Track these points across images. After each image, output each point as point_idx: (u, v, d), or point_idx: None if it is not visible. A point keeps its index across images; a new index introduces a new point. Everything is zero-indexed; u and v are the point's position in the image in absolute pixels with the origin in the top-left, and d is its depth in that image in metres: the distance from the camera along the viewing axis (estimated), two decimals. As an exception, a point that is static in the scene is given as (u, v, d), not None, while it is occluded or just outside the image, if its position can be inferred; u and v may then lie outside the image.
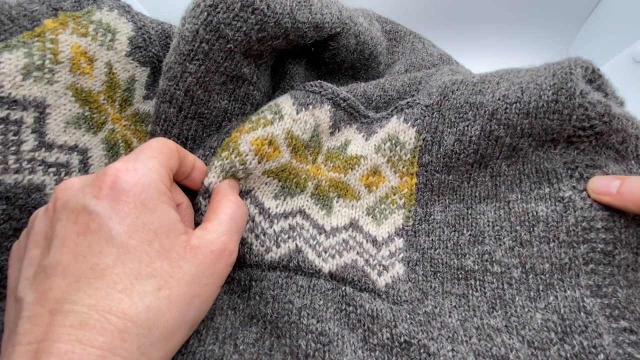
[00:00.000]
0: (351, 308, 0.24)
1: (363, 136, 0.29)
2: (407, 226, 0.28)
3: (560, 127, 0.24)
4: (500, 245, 0.25)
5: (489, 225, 0.26)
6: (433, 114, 0.28)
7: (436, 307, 0.25)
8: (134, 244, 0.18)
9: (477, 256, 0.25)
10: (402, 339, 0.22)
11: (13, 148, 0.26)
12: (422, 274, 0.26)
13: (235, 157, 0.24)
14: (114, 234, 0.18)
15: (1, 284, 0.26)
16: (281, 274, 0.24)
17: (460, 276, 0.25)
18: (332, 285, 0.24)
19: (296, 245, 0.25)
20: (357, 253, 0.26)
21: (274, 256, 0.25)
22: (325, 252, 0.26)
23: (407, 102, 0.29)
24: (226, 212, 0.22)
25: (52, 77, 0.27)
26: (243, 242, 0.25)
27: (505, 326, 0.24)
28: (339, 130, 0.29)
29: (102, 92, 0.30)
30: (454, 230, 0.27)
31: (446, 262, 0.26)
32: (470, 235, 0.26)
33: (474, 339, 0.23)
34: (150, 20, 0.34)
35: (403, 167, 0.28)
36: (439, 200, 0.28)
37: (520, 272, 0.25)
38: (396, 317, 0.23)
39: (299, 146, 0.27)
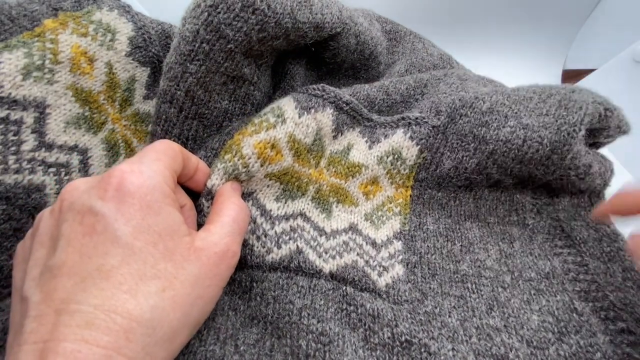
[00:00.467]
0: (352, 308, 0.24)
1: (366, 142, 0.30)
2: (404, 230, 0.28)
3: (543, 175, 0.28)
4: (488, 255, 0.28)
5: (476, 239, 0.28)
6: (438, 135, 0.30)
7: (436, 307, 0.25)
8: (139, 245, 0.18)
9: (470, 262, 0.27)
10: (403, 338, 0.23)
11: (13, 148, 0.26)
12: (421, 276, 0.26)
13: (238, 160, 0.24)
14: (120, 235, 0.18)
15: (1, 284, 0.26)
16: (282, 275, 0.24)
17: (457, 279, 0.26)
18: (333, 285, 0.25)
19: (297, 246, 0.25)
20: (358, 254, 0.26)
21: (275, 257, 0.25)
22: (326, 253, 0.26)
23: (417, 119, 0.30)
24: (229, 214, 0.22)
25: (52, 77, 0.27)
26: (244, 244, 0.25)
27: (504, 326, 0.24)
28: (341, 134, 0.29)
29: (102, 92, 0.30)
30: (447, 240, 0.28)
31: (442, 266, 0.27)
32: (461, 245, 0.28)
33: (474, 339, 0.23)
34: (150, 20, 0.34)
35: (400, 179, 0.30)
36: (430, 213, 0.30)
37: (511, 278, 0.26)
38: (397, 316, 0.24)
39: (301, 150, 0.27)
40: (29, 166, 0.26)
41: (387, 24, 0.45)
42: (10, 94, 0.25)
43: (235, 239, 0.22)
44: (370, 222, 0.29)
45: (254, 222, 0.25)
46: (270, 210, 0.26)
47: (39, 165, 0.27)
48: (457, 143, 0.29)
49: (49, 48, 0.27)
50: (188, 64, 0.25)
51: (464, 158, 0.28)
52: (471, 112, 0.29)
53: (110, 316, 0.17)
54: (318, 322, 0.23)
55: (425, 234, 0.29)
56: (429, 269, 0.27)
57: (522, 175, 0.28)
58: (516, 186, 0.29)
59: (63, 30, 0.28)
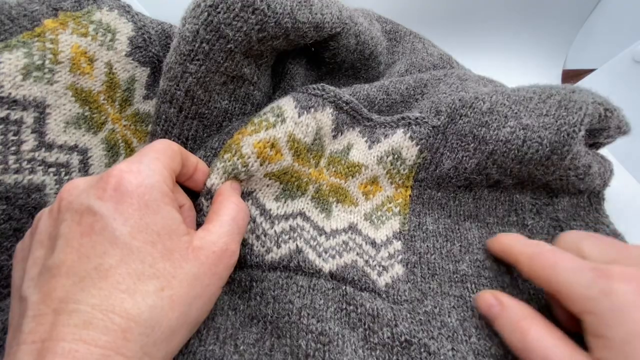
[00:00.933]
0: (352, 307, 0.24)
1: (366, 141, 0.30)
2: (404, 230, 0.29)
3: (543, 176, 0.28)
4: (488, 255, 0.27)
5: (475, 239, 0.28)
6: (437, 135, 0.29)
7: (435, 307, 0.25)
8: (137, 244, 0.18)
9: (469, 262, 0.27)
10: (403, 338, 0.23)
11: (13, 148, 0.26)
12: (421, 276, 0.26)
13: (238, 159, 0.24)
14: (118, 234, 0.18)
15: (1, 284, 0.26)
16: (281, 274, 0.24)
17: (456, 279, 0.26)
18: (333, 285, 0.25)
19: (297, 245, 0.25)
20: (357, 254, 0.26)
21: (274, 256, 0.25)
22: (326, 253, 0.26)
23: (417, 119, 0.30)
24: (228, 213, 0.22)
25: (52, 77, 0.27)
26: (244, 243, 0.25)
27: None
28: (341, 133, 0.29)
29: (102, 92, 0.30)
30: (446, 240, 0.28)
31: (442, 266, 0.27)
32: (460, 245, 0.28)
33: (473, 338, 0.23)
34: (150, 20, 0.34)
35: (400, 179, 0.30)
36: (429, 213, 0.30)
37: (510, 278, 0.26)
38: (397, 316, 0.24)
39: (301, 149, 0.27)
40: (29, 166, 0.26)
41: (387, 24, 0.45)
42: (10, 94, 0.25)
43: (234, 238, 0.22)
44: (370, 222, 0.29)
45: (254, 222, 0.25)
46: (270, 210, 0.26)
47: (39, 165, 0.27)
48: (457, 143, 0.29)
49: (49, 48, 0.27)
50: (188, 64, 0.25)
51: (464, 158, 0.28)
52: (471, 112, 0.29)
53: (108, 316, 0.17)
54: (318, 321, 0.23)
55: (424, 234, 0.29)
56: (428, 268, 0.27)
57: (522, 175, 0.28)
58: (516, 186, 0.30)
59: (63, 30, 0.28)
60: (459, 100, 0.30)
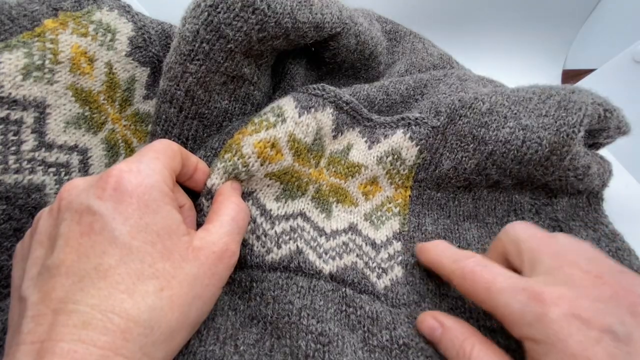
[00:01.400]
0: (351, 309, 0.24)
1: (366, 142, 0.30)
2: (403, 231, 0.29)
3: (542, 176, 0.28)
4: (487, 256, 0.26)
5: (474, 239, 0.29)
6: (437, 135, 0.29)
7: (433, 310, 0.25)
8: (136, 244, 0.18)
9: None
10: (401, 341, 0.23)
11: (13, 148, 0.26)
12: (420, 277, 0.26)
13: (238, 159, 0.24)
14: (117, 234, 0.18)
15: (1, 283, 0.26)
16: (282, 275, 0.24)
17: None
18: (333, 286, 0.25)
19: (297, 246, 0.25)
20: (357, 255, 0.26)
21: (274, 257, 0.25)
22: (326, 254, 0.26)
23: (416, 119, 0.30)
24: (228, 213, 0.22)
25: (52, 77, 0.27)
26: (244, 244, 0.25)
27: (501, 327, 0.24)
28: (341, 133, 0.29)
29: (102, 92, 0.30)
30: (445, 240, 0.28)
31: None
32: (459, 246, 0.28)
33: None
34: (150, 20, 0.34)
35: (399, 180, 0.30)
36: (429, 214, 0.30)
37: None
38: (395, 319, 0.24)
39: (301, 149, 0.27)
40: (29, 166, 0.26)
41: (387, 24, 0.45)
42: (10, 94, 0.25)
43: (234, 239, 0.22)
44: (370, 222, 0.29)
45: (254, 222, 0.25)
46: (270, 210, 0.26)
47: (39, 165, 0.27)
48: (457, 144, 0.29)
49: (49, 48, 0.27)
50: (188, 64, 0.25)
51: (463, 159, 0.29)
52: (471, 113, 0.29)
53: (107, 316, 0.17)
54: (317, 322, 0.23)
55: (423, 235, 0.29)
56: (427, 269, 0.27)
57: (521, 175, 0.28)
58: (515, 187, 0.30)
59: (63, 30, 0.28)
60: (459, 100, 0.30)
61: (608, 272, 0.19)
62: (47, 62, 0.27)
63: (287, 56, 0.34)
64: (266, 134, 0.25)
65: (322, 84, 0.28)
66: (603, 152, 0.31)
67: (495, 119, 0.28)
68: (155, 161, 0.21)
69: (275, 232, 0.25)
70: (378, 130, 0.30)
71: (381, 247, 0.28)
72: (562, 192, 0.29)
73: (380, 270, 0.26)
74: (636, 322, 0.17)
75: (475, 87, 0.36)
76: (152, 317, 0.18)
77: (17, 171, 0.26)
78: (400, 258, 0.27)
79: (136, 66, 0.32)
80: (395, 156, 0.29)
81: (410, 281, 0.26)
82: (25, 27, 0.27)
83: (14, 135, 0.26)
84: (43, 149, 0.27)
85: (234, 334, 0.23)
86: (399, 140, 0.29)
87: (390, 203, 0.30)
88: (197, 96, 0.27)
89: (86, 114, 0.30)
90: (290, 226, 0.26)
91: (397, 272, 0.27)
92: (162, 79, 0.27)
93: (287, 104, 0.27)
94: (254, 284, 0.24)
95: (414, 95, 0.35)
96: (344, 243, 0.27)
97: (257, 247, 0.25)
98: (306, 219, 0.27)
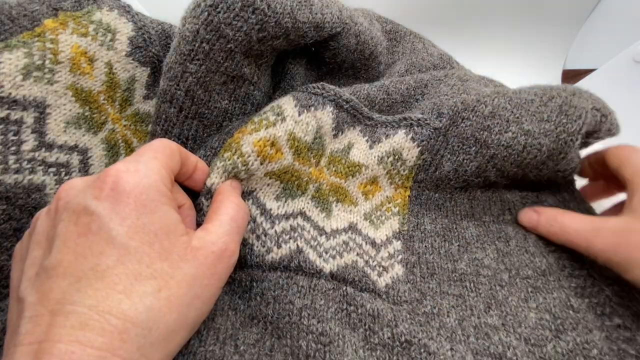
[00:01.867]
0: (352, 308, 0.24)
1: (367, 141, 0.29)
2: (403, 230, 0.29)
3: (534, 177, 0.29)
4: (486, 254, 0.28)
5: (473, 238, 0.29)
6: (439, 137, 0.29)
7: (435, 307, 0.25)
8: (134, 244, 0.18)
9: (468, 261, 0.27)
10: (403, 339, 0.23)
11: (13, 148, 0.26)
12: (420, 275, 0.27)
13: (238, 158, 0.24)
14: (115, 234, 0.18)
15: (1, 283, 0.26)
16: (282, 275, 0.24)
17: (455, 278, 0.27)
18: (333, 285, 0.24)
19: (297, 245, 0.25)
20: (357, 254, 0.26)
21: (274, 257, 0.25)
22: (326, 253, 0.26)
23: (419, 120, 0.30)
24: (227, 212, 0.22)
25: (52, 77, 0.27)
26: (244, 243, 0.25)
27: (502, 324, 0.24)
28: (342, 132, 0.29)
29: (102, 92, 0.30)
30: (444, 240, 0.29)
31: (441, 266, 0.27)
32: (459, 245, 0.28)
33: (472, 338, 0.24)
34: (150, 20, 0.34)
35: (399, 180, 0.30)
36: (427, 214, 0.30)
37: (509, 276, 0.27)
38: (397, 317, 0.24)
39: (301, 148, 0.27)
40: (29, 166, 0.26)
41: (387, 23, 0.45)
42: (10, 94, 0.25)
43: (233, 238, 0.22)
44: (370, 222, 0.29)
45: (254, 222, 0.25)
46: (270, 210, 0.26)
47: (39, 165, 0.27)
48: (459, 146, 0.29)
49: (49, 48, 0.27)
50: (188, 64, 0.25)
51: (465, 161, 0.29)
52: (473, 116, 0.29)
53: (104, 317, 0.17)
54: (318, 322, 0.22)
55: (423, 234, 0.29)
56: (427, 268, 0.27)
57: (516, 176, 0.29)
58: (506, 186, 0.30)
59: (63, 30, 0.28)
60: (461, 103, 0.30)
61: None
62: (47, 62, 0.27)
63: (287, 56, 0.34)
64: (266, 132, 0.25)
65: (322, 83, 0.28)
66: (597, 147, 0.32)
67: (497, 123, 0.28)
68: (153, 161, 0.21)
69: (275, 231, 0.25)
70: (379, 129, 0.30)
71: (381, 246, 0.28)
72: (547, 188, 0.30)
73: (381, 268, 0.26)
74: None
75: (477, 87, 0.36)
76: (150, 318, 0.18)
77: (17, 171, 0.26)
78: (400, 257, 0.27)
79: (136, 66, 0.32)
80: (396, 156, 0.29)
81: (411, 279, 0.26)
82: (25, 27, 0.27)
83: (14, 135, 0.26)
84: (43, 149, 0.27)
85: (234, 334, 0.23)
86: (401, 140, 0.29)
87: (389, 203, 0.30)
88: (197, 96, 0.27)
89: (86, 114, 0.30)
90: (291, 225, 0.26)
91: (398, 270, 0.27)
92: (162, 79, 0.27)
93: (286, 102, 0.27)
94: (254, 284, 0.24)
95: (414, 95, 0.35)
96: (344, 242, 0.27)
97: (257, 247, 0.25)
98: (306, 218, 0.27)
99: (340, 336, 0.22)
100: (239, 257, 0.23)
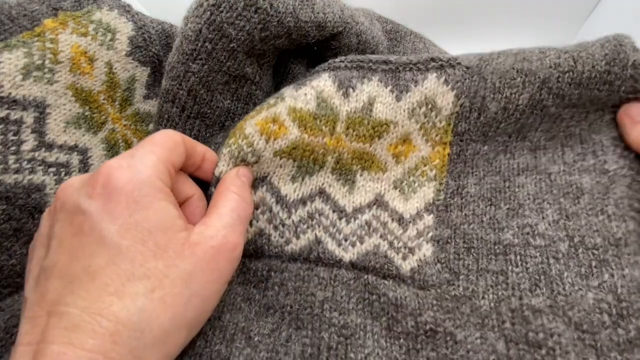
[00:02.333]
0: (374, 297, 0.23)
1: (391, 91, 0.25)
2: (437, 200, 0.25)
3: (608, 97, 0.23)
4: (543, 218, 0.23)
5: (529, 198, 0.24)
6: (473, 77, 0.24)
7: (467, 289, 0.22)
8: (126, 244, 0.18)
9: (517, 229, 0.23)
10: (428, 327, 0.21)
11: (13, 148, 0.26)
12: (454, 252, 0.24)
13: (242, 140, 0.23)
14: (106, 234, 0.18)
15: (1, 283, 0.26)
16: (302, 266, 0.24)
17: (498, 251, 0.23)
18: (354, 274, 0.23)
19: (315, 235, 0.24)
20: (381, 236, 0.24)
21: (294, 248, 0.24)
22: (346, 240, 0.24)
23: (449, 60, 0.25)
24: (227, 204, 0.22)
25: (52, 77, 0.27)
26: (261, 233, 0.24)
27: (550, 306, 0.21)
28: (352, 89, 0.25)
29: (102, 92, 0.30)
30: (490, 204, 0.24)
31: (481, 237, 0.24)
32: (508, 208, 0.24)
33: (507, 324, 0.21)
34: (151, 20, 0.34)
35: (436, 135, 0.25)
36: (472, 172, 0.25)
37: (568, 245, 0.22)
38: (421, 304, 0.22)
39: (305, 118, 0.24)
40: (29, 166, 0.26)
41: (387, 23, 0.45)
42: (10, 93, 0.25)
43: (234, 230, 0.21)
44: (400, 191, 0.26)
45: (270, 211, 0.24)
46: (286, 195, 0.25)
47: (39, 165, 0.27)
48: (500, 81, 0.24)
49: (49, 48, 0.27)
50: (190, 63, 0.25)
51: (513, 95, 0.24)
52: (503, 55, 0.25)
53: (95, 319, 0.16)
54: (340, 314, 0.22)
55: (463, 200, 0.25)
56: (464, 242, 0.24)
57: (584, 103, 0.24)
58: (583, 124, 0.24)
59: (63, 30, 0.28)
60: (484, 53, 0.26)
61: None
62: (47, 61, 0.27)
63: (289, 56, 0.34)
64: (267, 112, 0.24)
65: (317, 68, 0.27)
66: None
67: (532, 53, 0.24)
68: (149, 155, 0.20)
69: (293, 221, 0.24)
70: (403, 74, 0.25)
71: (409, 222, 0.25)
72: None
73: (407, 250, 0.24)
74: None
75: None
76: (142, 320, 0.17)
77: (17, 171, 0.26)
78: (430, 234, 0.24)
79: (136, 66, 0.32)
80: (430, 106, 0.25)
81: (442, 258, 0.24)
82: (25, 26, 0.27)
83: (14, 135, 0.26)
84: (43, 149, 0.27)
85: (246, 327, 0.22)
86: (433, 86, 0.25)
87: (425, 165, 0.26)
88: (200, 95, 0.27)
89: (86, 113, 0.30)
90: (308, 212, 0.25)
91: (426, 250, 0.24)
92: (165, 79, 0.26)
93: (285, 89, 0.26)
94: (272, 274, 0.24)
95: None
96: (366, 223, 0.25)
97: (275, 237, 0.24)
98: (325, 198, 0.25)
99: (362, 327, 0.22)
100: (255, 248, 0.22)
